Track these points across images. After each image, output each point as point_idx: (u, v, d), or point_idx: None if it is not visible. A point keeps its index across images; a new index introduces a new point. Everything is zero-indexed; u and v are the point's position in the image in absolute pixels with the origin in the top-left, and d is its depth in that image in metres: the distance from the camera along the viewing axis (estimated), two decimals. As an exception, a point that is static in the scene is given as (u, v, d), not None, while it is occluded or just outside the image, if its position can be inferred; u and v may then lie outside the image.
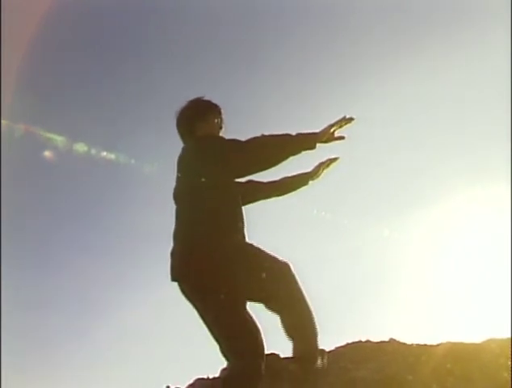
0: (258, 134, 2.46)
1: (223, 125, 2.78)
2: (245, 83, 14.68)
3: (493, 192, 10.96)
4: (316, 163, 2.73)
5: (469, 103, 12.99)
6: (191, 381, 8.75)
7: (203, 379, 8.66)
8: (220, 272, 2.38)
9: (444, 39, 12.44)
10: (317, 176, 2.75)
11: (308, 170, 2.76)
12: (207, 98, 2.80)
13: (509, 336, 7.87)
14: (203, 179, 2.44)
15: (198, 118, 2.71)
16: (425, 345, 8.70)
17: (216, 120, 2.74)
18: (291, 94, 14.70)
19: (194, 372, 9.12)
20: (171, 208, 2.62)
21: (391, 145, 14.30)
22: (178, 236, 2.46)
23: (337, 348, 9.35)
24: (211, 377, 8.64)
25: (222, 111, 2.79)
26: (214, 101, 2.80)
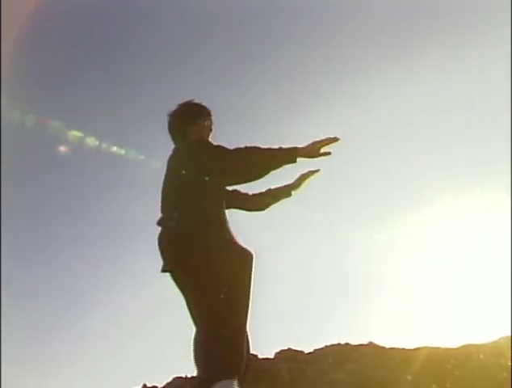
0: (243, 145, 2.51)
1: (213, 127, 2.81)
2: (249, 79, 14.70)
3: (484, 199, 11.10)
4: (298, 175, 2.79)
5: (468, 106, 13.09)
6: (170, 380, 8.75)
7: (181, 378, 8.66)
8: (218, 266, 2.41)
9: (444, 40, 12.45)
10: (299, 187, 2.82)
11: (290, 182, 2.81)
12: (197, 101, 2.83)
13: (485, 342, 8.04)
14: (205, 178, 2.49)
15: (189, 121, 2.74)
16: (404, 349, 8.81)
17: (206, 123, 2.77)
18: (292, 94, 14.76)
19: (172, 371, 9.12)
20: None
21: (387, 146, 14.45)
22: (170, 232, 2.48)
23: (316, 350, 9.43)
24: (189, 376, 8.66)
25: (212, 113, 2.82)
26: (204, 104, 2.83)
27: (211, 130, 2.75)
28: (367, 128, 14.25)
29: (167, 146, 2.75)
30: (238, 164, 2.43)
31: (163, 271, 2.45)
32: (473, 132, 13.38)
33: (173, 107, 2.76)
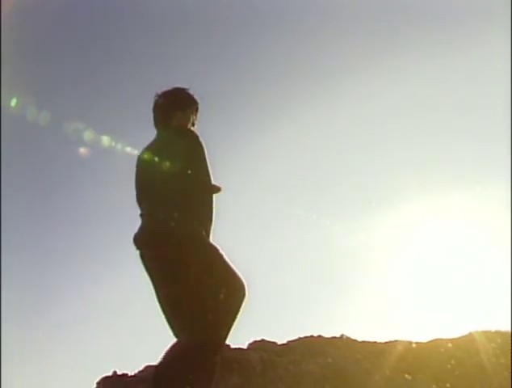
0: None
1: (196, 123, 2.79)
2: (242, 78, 14.68)
3: (461, 198, 11.29)
4: None
5: (463, 105, 13.21)
6: (141, 368, 8.68)
7: (152, 366, 8.59)
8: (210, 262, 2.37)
9: (443, 39, 12.44)
10: None
11: None
12: (191, 91, 2.79)
13: (455, 336, 8.21)
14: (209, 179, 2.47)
15: (178, 107, 2.72)
16: (376, 343, 8.93)
17: (191, 116, 2.74)
18: (285, 92, 14.76)
19: (144, 359, 9.06)
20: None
21: (372, 144, 14.52)
22: (169, 231, 2.42)
23: (289, 342, 9.48)
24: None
25: (199, 109, 2.80)
26: (195, 97, 2.80)
27: (193, 125, 2.71)
28: (354, 126, 14.32)
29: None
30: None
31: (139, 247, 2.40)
32: (465, 133, 13.56)
33: (165, 88, 2.71)
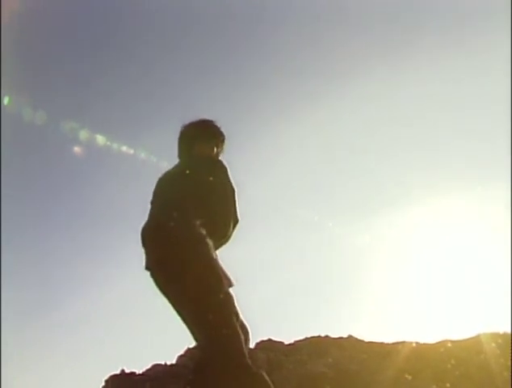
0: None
1: (220, 155, 2.84)
2: (246, 80, 14.78)
3: (463, 200, 11.22)
4: None
5: (463, 106, 13.11)
6: (149, 367, 8.77)
7: (160, 365, 8.68)
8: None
9: (443, 42, 12.34)
10: None
11: None
12: (218, 123, 2.85)
13: (463, 338, 8.16)
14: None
15: (202, 137, 2.79)
16: (382, 343, 8.90)
17: (215, 149, 2.80)
18: (285, 94, 14.83)
19: (151, 358, 9.15)
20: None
21: (375, 146, 14.50)
22: (168, 231, 2.47)
23: (296, 342, 9.49)
24: (168, 363, 8.69)
25: (225, 142, 2.84)
26: (222, 129, 2.86)
27: (218, 156, 2.77)
28: (356, 127, 14.28)
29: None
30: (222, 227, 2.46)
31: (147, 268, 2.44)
32: (466, 134, 13.46)
33: (194, 119, 2.79)
